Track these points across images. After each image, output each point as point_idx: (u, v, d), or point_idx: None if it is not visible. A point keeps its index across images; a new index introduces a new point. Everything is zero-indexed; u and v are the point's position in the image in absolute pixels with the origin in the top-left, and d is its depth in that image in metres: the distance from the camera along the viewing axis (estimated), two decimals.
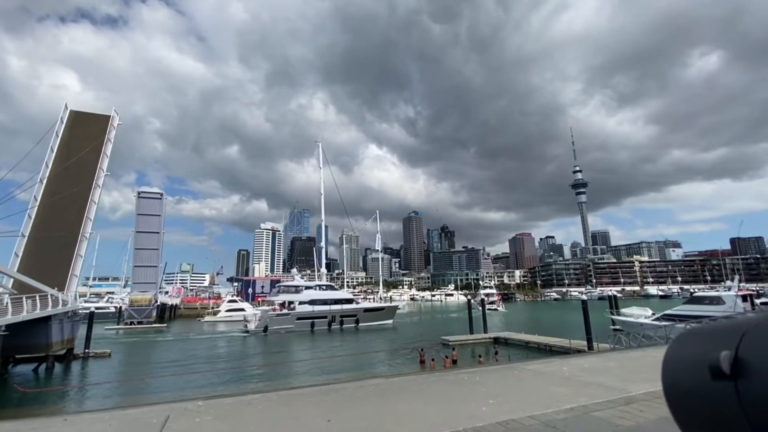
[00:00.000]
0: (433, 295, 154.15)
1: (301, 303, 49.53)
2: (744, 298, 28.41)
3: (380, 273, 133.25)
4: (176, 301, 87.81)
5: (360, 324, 50.66)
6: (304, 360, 29.34)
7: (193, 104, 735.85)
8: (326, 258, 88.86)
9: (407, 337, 40.54)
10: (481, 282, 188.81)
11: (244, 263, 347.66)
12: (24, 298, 23.30)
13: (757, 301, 29.62)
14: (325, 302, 50.36)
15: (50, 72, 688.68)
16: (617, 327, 33.14)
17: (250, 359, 31.44)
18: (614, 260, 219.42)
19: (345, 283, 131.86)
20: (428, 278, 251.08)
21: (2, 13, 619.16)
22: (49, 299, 26.77)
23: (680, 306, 32.37)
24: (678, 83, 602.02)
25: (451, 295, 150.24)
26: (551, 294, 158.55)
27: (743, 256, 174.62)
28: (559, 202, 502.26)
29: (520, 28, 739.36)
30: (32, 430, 8.31)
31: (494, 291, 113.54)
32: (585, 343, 24.51)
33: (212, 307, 77.62)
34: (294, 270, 69.24)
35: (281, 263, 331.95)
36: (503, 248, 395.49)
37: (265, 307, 56.72)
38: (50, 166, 35.14)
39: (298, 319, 47.96)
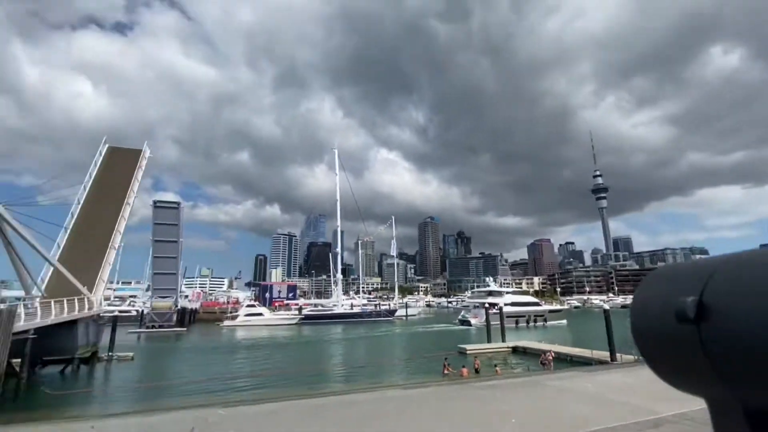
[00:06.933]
0: (450, 302, 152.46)
1: (506, 304, 59.34)
2: None
3: (395, 278, 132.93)
4: (196, 305, 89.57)
5: (547, 322, 62.18)
6: None
7: (204, 109, 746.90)
8: (342, 263, 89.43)
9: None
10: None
11: (261, 268, 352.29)
12: (52, 303, 24.32)
13: None
14: (522, 304, 63.17)
15: (66, 79, 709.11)
16: None
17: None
18: (637, 267, 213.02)
19: (360, 289, 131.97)
20: (444, 284, 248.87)
21: (13, 19, 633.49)
22: (76, 303, 27.75)
23: None
24: (697, 83, 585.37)
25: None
26: (571, 302, 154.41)
27: None
28: (578, 206, 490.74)
29: (533, 31, 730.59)
30: None
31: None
32: (608, 353, 23.77)
33: (230, 311, 78.46)
34: (489, 278, 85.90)
35: (298, 268, 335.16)
36: (520, 254, 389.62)
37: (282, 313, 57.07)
38: (88, 187, 40.82)
39: (507, 317, 57.45)
